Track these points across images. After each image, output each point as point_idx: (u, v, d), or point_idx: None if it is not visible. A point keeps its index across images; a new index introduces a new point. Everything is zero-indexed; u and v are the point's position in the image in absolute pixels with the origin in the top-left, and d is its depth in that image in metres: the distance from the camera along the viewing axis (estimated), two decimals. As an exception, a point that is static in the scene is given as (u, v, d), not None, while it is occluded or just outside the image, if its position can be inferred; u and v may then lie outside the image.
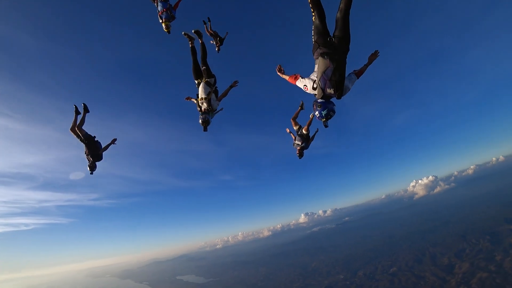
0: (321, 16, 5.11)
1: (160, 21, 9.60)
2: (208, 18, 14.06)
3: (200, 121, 7.98)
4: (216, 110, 8.38)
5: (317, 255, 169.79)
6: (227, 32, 14.52)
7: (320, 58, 5.11)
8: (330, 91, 5.18)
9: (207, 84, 8.09)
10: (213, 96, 8.12)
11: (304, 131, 10.33)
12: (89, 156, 9.48)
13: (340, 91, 5.23)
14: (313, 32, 5.21)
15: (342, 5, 4.89)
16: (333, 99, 5.63)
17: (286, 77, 6.32)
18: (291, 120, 10.90)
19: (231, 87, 8.51)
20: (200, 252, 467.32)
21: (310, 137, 10.63)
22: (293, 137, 10.76)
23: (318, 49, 5.17)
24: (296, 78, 5.96)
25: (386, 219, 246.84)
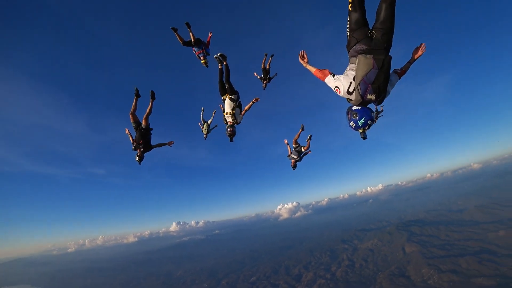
0: (362, 3, 4.33)
1: (198, 59, 11.31)
2: (272, 55, 14.45)
3: (229, 130, 9.18)
4: (238, 122, 9.56)
5: (183, 264, 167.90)
6: (276, 73, 14.81)
7: (360, 56, 4.28)
8: (370, 97, 4.45)
9: (231, 100, 9.24)
10: (237, 110, 9.36)
11: (303, 150, 12.08)
12: (140, 145, 9.01)
13: (382, 97, 4.54)
14: (349, 23, 4.45)
15: None
16: (370, 105, 4.86)
17: (312, 69, 5.30)
18: (293, 141, 12.18)
19: (252, 103, 9.32)
20: (44, 256, 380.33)
21: (304, 152, 12.28)
22: (289, 150, 12.33)
23: (357, 45, 4.39)
24: (325, 74, 5.01)
25: (253, 235, 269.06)
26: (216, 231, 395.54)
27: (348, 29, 4.52)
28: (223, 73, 9.70)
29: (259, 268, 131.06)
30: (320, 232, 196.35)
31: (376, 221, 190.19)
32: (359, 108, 4.76)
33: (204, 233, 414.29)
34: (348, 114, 4.93)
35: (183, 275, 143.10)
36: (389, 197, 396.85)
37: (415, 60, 5.14)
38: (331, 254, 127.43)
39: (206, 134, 15.59)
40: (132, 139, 9.10)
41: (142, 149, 9.04)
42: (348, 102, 4.86)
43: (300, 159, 12.25)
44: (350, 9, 4.36)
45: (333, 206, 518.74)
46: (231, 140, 9.45)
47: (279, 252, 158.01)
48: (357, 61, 4.33)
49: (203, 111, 15.79)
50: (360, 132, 5.03)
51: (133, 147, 9.06)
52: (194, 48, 11.15)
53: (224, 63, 9.79)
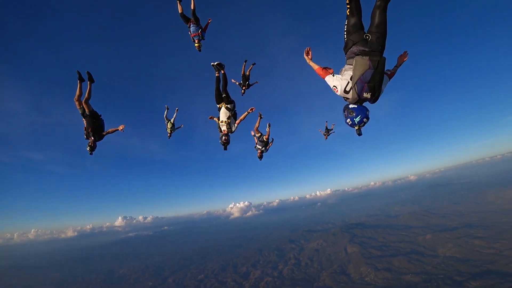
0: (359, 8, 4.67)
1: (192, 41, 10.90)
2: (254, 63, 14.61)
3: (223, 138, 9.18)
4: (233, 131, 9.56)
5: (127, 261, 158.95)
6: (256, 81, 14.92)
7: (357, 58, 4.61)
8: (366, 95, 4.73)
9: (227, 109, 9.31)
10: (232, 119, 9.43)
11: (264, 139, 12.14)
12: (91, 134, 8.61)
13: (377, 95, 4.83)
14: (347, 27, 4.78)
15: None
16: (366, 103, 5.10)
17: (315, 66, 5.60)
18: (254, 129, 12.12)
19: (248, 113, 9.54)
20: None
21: (269, 142, 12.38)
22: (256, 141, 12.37)
23: (354, 47, 4.70)
24: (327, 73, 5.32)
25: (202, 232, 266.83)
26: (165, 228, 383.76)
27: (345, 32, 4.83)
28: (220, 81, 9.63)
29: (207, 265, 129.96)
30: (270, 232, 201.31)
31: (323, 223, 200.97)
32: (356, 106, 4.98)
33: (152, 229, 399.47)
34: (344, 112, 5.13)
35: (126, 272, 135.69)
36: (336, 201, 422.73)
37: (401, 65, 5.75)
38: (278, 253, 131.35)
39: (170, 134, 15.54)
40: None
41: (93, 138, 8.67)
42: (345, 100, 5.13)
43: (266, 150, 12.43)
44: (348, 13, 4.71)
45: (284, 207, 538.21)
46: (225, 148, 9.41)
47: (228, 250, 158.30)
48: (354, 62, 4.64)
49: (167, 109, 15.74)
50: (356, 129, 5.24)
51: (85, 136, 8.72)
52: (190, 29, 10.84)
53: (222, 72, 9.71)
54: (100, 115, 8.89)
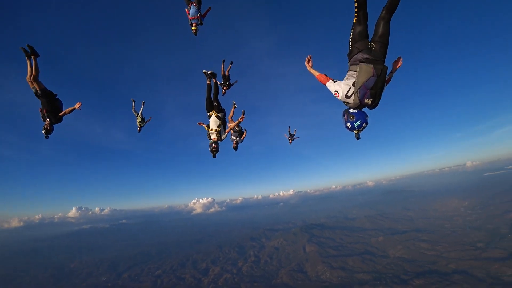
0: (366, 17, 4.91)
1: (190, 24, 10.69)
2: (231, 62, 14.63)
3: (213, 146, 9.19)
4: (222, 139, 9.59)
5: (79, 255, 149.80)
6: (236, 80, 14.92)
7: (362, 65, 4.83)
8: (368, 101, 4.95)
9: (217, 117, 9.43)
10: (222, 127, 9.54)
11: (236, 128, 12.28)
12: (46, 115, 8.08)
13: (377, 102, 5.04)
14: (353, 34, 4.98)
15: (388, 4, 4.77)
16: (365, 109, 5.29)
17: (316, 73, 5.82)
18: (229, 118, 11.84)
19: (239, 121, 9.98)
20: None
21: (243, 132, 12.59)
22: (232, 132, 12.43)
23: (358, 55, 4.90)
24: (327, 79, 5.54)
25: (163, 227, 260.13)
26: (123, 221, 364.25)
27: (351, 39, 5.02)
28: (211, 89, 9.77)
29: (165, 261, 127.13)
30: (231, 229, 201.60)
31: (284, 223, 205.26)
32: (356, 111, 5.18)
33: (108, 221, 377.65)
34: (344, 116, 5.31)
35: (78, 266, 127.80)
36: (297, 202, 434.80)
37: (396, 70, 5.79)
38: (239, 250, 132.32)
39: (140, 128, 15.33)
40: None
41: (49, 121, 8.18)
42: (345, 105, 5.33)
43: (241, 140, 12.61)
44: (354, 21, 4.93)
45: (247, 205, 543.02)
46: (214, 156, 9.39)
47: (188, 245, 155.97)
48: (358, 68, 4.85)
49: (134, 102, 15.40)
50: (355, 133, 5.35)
51: (41, 118, 8.22)
52: (190, 11, 10.64)
53: (214, 80, 9.87)
54: (56, 95, 8.36)
